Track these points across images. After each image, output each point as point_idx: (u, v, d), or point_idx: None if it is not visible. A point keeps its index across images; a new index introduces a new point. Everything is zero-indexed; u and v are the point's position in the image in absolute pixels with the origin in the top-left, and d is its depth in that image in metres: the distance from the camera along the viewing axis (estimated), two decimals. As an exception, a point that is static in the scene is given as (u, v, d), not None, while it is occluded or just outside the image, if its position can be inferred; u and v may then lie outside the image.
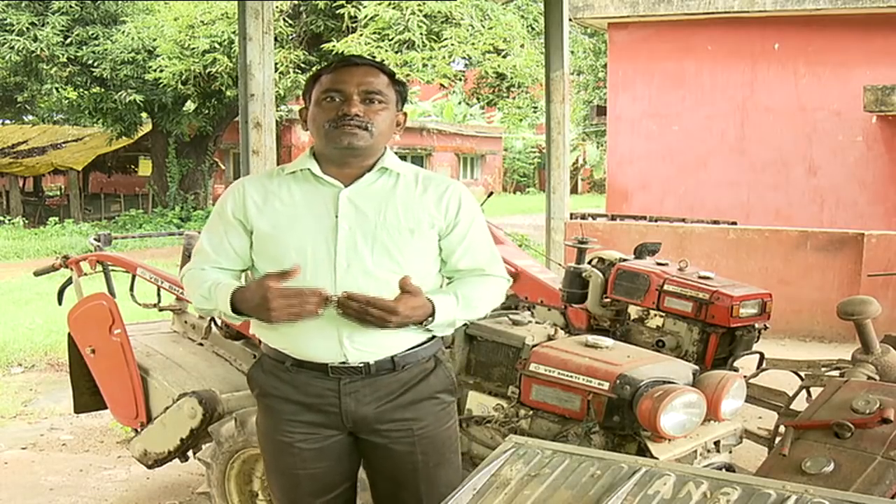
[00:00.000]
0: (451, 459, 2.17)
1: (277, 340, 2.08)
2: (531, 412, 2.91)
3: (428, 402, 2.11)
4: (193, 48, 16.32)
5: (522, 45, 15.95)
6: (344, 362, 2.02)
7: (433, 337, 2.13)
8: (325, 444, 2.08)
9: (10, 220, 19.41)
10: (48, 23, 17.55)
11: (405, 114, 2.15)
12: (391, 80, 2.07)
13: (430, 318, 1.99)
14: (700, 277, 4.36)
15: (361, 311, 1.92)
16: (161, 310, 4.18)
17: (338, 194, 2.03)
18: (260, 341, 2.18)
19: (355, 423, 2.07)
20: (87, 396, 3.90)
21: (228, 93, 17.34)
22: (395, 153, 2.15)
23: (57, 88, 18.42)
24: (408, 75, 14.38)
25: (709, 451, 2.77)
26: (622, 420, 2.66)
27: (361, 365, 2.03)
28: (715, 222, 8.18)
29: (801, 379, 3.40)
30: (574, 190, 28.04)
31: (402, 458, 2.09)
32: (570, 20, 8.48)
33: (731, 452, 2.89)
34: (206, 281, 2.06)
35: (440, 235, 2.09)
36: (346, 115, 1.98)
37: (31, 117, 28.35)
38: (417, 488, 2.10)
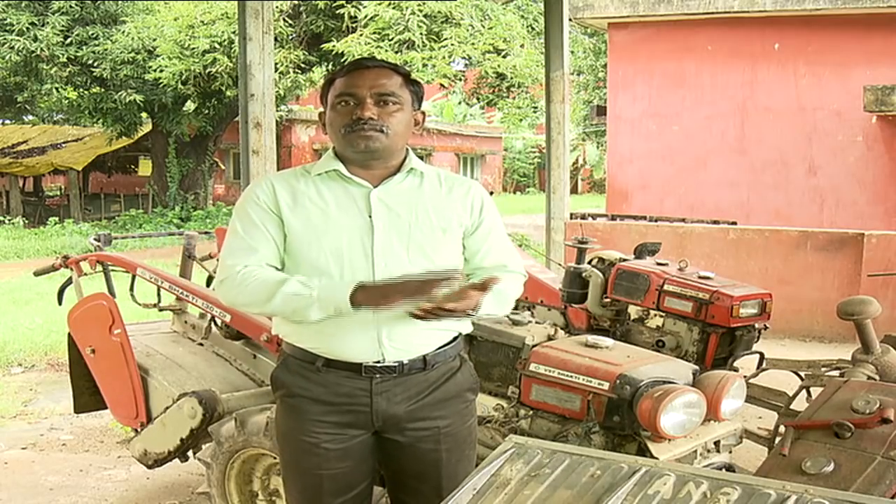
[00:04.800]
0: (469, 455, 2.21)
1: (308, 340, 2.07)
2: (531, 412, 2.91)
3: (454, 400, 2.14)
4: (193, 48, 16.32)
5: (522, 45, 15.95)
6: (379, 361, 2.03)
7: (458, 335, 2.16)
8: (351, 444, 2.09)
9: (10, 220, 19.41)
10: (48, 23, 17.55)
11: (423, 113, 2.17)
12: (405, 81, 2.07)
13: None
14: (700, 277, 4.36)
15: (440, 311, 1.87)
16: (161, 310, 4.18)
17: (368, 194, 2.05)
18: (280, 342, 2.17)
19: (384, 423, 2.08)
20: (87, 396, 3.90)
21: (228, 93, 17.35)
22: None
23: (57, 88, 18.42)
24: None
25: (709, 451, 2.77)
26: (622, 420, 2.66)
27: (395, 364, 2.04)
28: (715, 222, 8.18)
29: (801, 379, 3.40)
30: (574, 190, 28.04)
31: (425, 455, 2.11)
32: (570, 20, 8.48)
33: (731, 452, 2.89)
34: (280, 276, 1.98)
35: (465, 234, 2.13)
36: (361, 118, 1.99)
37: (31, 117, 28.35)
38: (439, 483, 2.12)
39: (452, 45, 14.79)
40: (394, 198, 2.06)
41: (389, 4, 14.70)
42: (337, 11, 15.65)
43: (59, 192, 27.48)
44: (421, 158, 2.20)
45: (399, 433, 2.10)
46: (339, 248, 2.01)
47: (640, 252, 4.74)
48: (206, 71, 16.48)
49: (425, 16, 14.76)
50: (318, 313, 1.96)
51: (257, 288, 2.00)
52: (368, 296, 1.92)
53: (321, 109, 2.17)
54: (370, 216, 2.03)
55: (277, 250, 2.05)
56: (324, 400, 2.07)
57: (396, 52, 14.39)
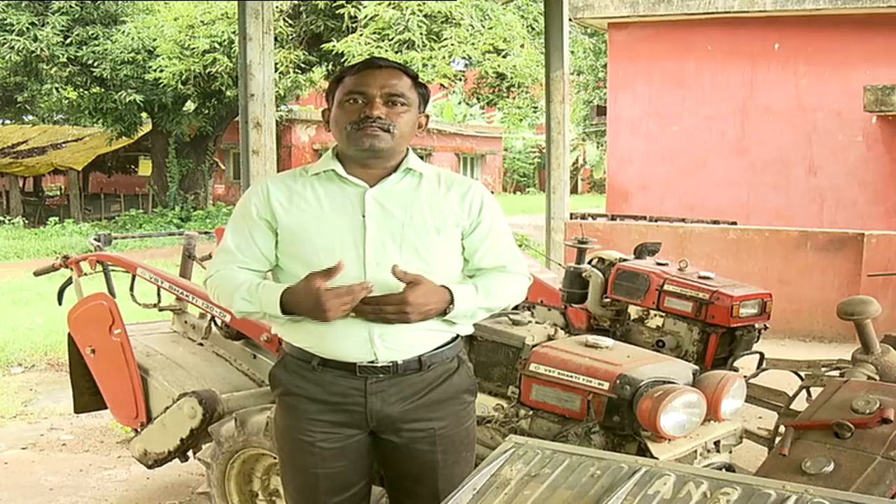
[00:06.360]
0: (466, 457, 2.20)
1: (304, 340, 2.08)
2: (531, 412, 2.91)
3: (451, 401, 2.13)
4: (193, 48, 16.33)
5: (522, 45, 15.95)
6: (372, 361, 2.03)
7: (457, 337, 2.15)
8: (346, 444, 2.09)
9: (10, 220, 19.41)
10: (48, 23, 17.55)
11: (427, 115, 2.17)
12: (414, 83, 2.08)
13: (450, 306, 2.00)
14: (700, 277, 4.36)
15: (377, 311, 1.96)
16: (161, 310, 4.18)
17: (363, 194, 2.05)
18: (281, 340, 2.18)
19: (379, 423, 2.08)
20: (87, 396, 3.90)
21: (228, 93, 17.35)
22: None
23: (57, 88, 18.43)
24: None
25: (709, 451, 2.77)
26: (622, 420, 2.66)
27: (389, 364, 2.04)
28: (715, 222, 8.18)
29: (801, 379, 3.40)
30: (574, 190, 28.04)
31: (421, 456, 2.11)
32: (570, 20, 8.48)
33: (731, 452, 2.89)
34: (242, 283, 2.05)
35: (463, 234, 2.12)
36: (369, 117, 2.00)
37: (31, 117, 28.36)
38: (435, 485, 2.12)
39: (452, 45, 14.78)
40: (389, 197, 2.06)
41: (389, 4, 14.69)
42: (337, 11, 15.65)
43: (59, 192, 27.49)
44: (421, 158, 2.20)
45: (394, 434, 2.09)
46: (331, 248, 2.01)
47: (640, 252, 4.74)
48: (206, 71, 16.48)
49: (425, 16, 14.75)
50: (281, 318, 2.03)
51: (223, 298, 2.10)
52: (294, 304, 1.97)
53: (323, 108, 2.18)
54: (363, 216, 2.03)
55: (262, 256, 2.10)
56: (319, 399, 2.07)
57: (396, 52, 14.38)
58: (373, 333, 2.01)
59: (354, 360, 2.03)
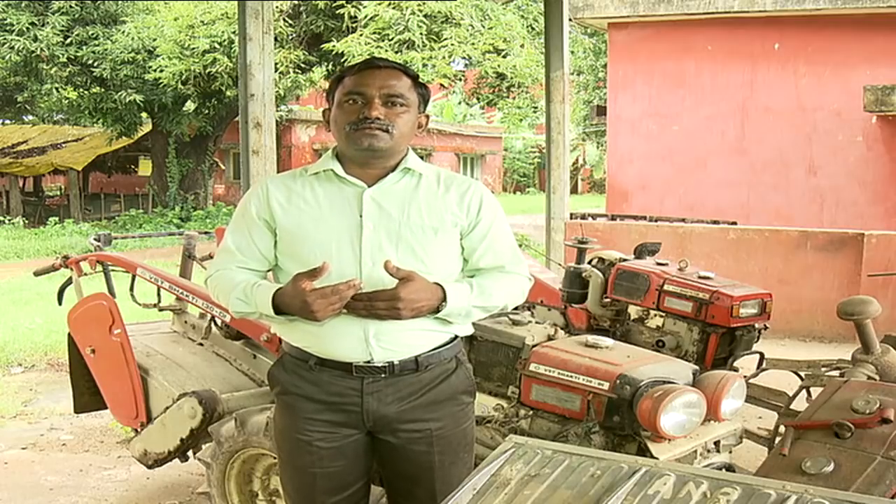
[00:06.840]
0: (464, 458, 2.19)
1: (301, 339, 2.08)
2: (531, 412, 2.91)
3: (448, 402, 2.13)
4: (193, 48, 16.34)
5: (522, 45, 15.94)
6: (369, 361, 2.03)
7: (455, 338, 2.15)
8: (344, 443, 2.09)
9: (10, 220, 19.41)
10: (48, 23, 17.56)
11: (427, 116, 2.17)
12: (414, 83, 2.08)
13: (443, 304, 2.00)
14: (700, 277, 4.36)
15: (369, 308, 1.95)
16: (161, 310, 4.18)
17: (361, 194, 2.05)
18: (281, 340, 2.19)
19: (375, 423, 2.08)
20: (87, 396, 3.90)
21: (228, 93, 17.36)
22: None
23: (57, 88, 18.43)
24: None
25: (709, 451, 2.77)
26: (622, 420, 2.66)
27: (385, 364, 2.04)
28: (715, 222, 8.18)
29: (801, 379, 3.40)
30: (574, 190, 28.04)
31: (418, 457, 2.11)
32: (570, 20, 8.48)
33: (731, 452, 2.89)
34: (238, 283, 2.06)
35: (462, 234, 2.11)
36: (367, 117, 2.00)
37: (31, 117, 28.36)
38: (432, 486, 2.12)
39: (452, 45, 14.78)
40: (387, 197, 2.06)
41: (389, 4, 14.70)
42: (337, 11, 15.65)
43: (59, 192, 27.49)
44: (421, 158, 2.20)
45: (391, 434, 2.09)
46: (328, 247, 2.02)
47: (640, 252, 4.74)
48: (206, 71, 16.48)
49: (425, 16, 14.75)
50: (276, 319, 2.04)
51: (221, 298, 2.12)
52: (284, 305, 1.98)
53: (323, 108, 2.18)
54: (361, 216, 2.03)
55: (261, 256, 2.11)
56: (316, 398, 2.08)
57: (396, 52, 14.38)
58: (368, 333, 2.00)
59: (350, 360, 2.04)
